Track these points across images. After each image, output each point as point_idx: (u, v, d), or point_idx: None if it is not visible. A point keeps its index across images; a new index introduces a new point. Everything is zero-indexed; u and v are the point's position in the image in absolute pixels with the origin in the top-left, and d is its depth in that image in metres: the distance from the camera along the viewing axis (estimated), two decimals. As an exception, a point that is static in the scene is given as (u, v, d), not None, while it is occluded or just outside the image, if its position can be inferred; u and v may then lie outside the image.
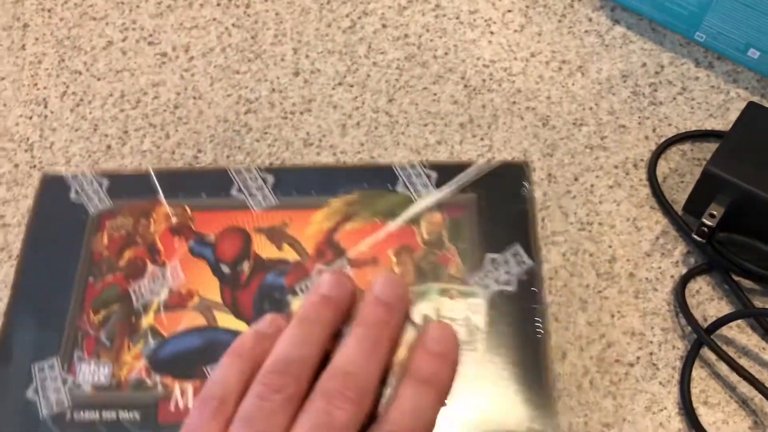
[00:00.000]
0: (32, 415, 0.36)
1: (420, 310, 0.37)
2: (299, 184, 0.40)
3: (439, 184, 0.40)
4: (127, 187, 0.41)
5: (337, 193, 0.40)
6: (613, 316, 0.43)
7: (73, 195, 0.41)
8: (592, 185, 0.46)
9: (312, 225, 0.39)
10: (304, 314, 0.30)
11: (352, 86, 0.50)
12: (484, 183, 0.40)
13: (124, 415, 0.35)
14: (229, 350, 0.29)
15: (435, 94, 0.49)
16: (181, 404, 0.36)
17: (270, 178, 0.41)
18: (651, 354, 0.42)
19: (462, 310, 0.37)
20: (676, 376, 0.42)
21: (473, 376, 0.36)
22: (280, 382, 0.27)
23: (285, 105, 0.50)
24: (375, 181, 0.41)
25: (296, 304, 0.38)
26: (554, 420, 0.34)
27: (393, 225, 0.39)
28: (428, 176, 0.40)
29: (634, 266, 0.44)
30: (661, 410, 0.41)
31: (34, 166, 0.49)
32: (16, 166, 0.49)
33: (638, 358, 0.42)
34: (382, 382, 0.29)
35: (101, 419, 0.36)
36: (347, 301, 0.31)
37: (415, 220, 0.39)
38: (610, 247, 0.45)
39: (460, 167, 0.41)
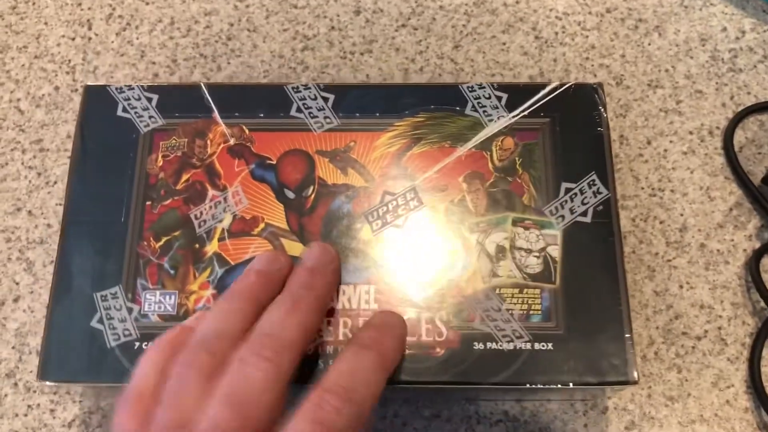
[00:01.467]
0: (100, 345, 0.34)
1: (493, 240, 0.35)
2: (363, 104, 0.38)
3: (510, 107, 0.38)
4: (179, 103, 0.39)
5: (403, 114, 0.38)
6: (681, 286, 0.42)
7: (120, 110, 0.38)
8: (665, 150, 0.45)
9: (377, 148, 0.37)
10: (232, 290, 0.32)
11: (416, 29, 0.48)
12: (557, 106, 0.38)
13: None
14: (152, 343, 0.30)
15: (504, 44, 0.47)
16: None
17: (331, 98, 0.38)
18: (720, 328, 0.41)
19: (537, 241, 0.35)
20: (746, 353, 0.40)
21: (551, 311, 0.34)
22: (195, 358, 0.28)
23: (344, 44, 0.47)
24: (443, 103, 0.38)
25: (366, 231, 0.36)
26: (630, 358, 0.33)
27: (463, 150, 0.37)
28: (498, 98, 0.38)
29: (705, 237, 0.43)
30: (728, 387, 0.40)
31: (76, 90, 0.46)
32: (57, 88, 0.46)
33: (706, 331, 0.41)
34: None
35: None
36: (280, 275, 0.33)
37: (485, 145, 0.37)
38: (681, 215, 0.43)
39: (531, 88, 0.39)
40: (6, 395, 0.39)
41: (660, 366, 0.40)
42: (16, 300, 0.41)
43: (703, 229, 0.43)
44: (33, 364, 0.40)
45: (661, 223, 0.43)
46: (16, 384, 0.39)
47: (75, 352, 0.34)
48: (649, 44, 0.47)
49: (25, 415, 0.39)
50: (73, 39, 0.48)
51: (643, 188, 0.44)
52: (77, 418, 0.39)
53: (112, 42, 0.47)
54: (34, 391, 0.39)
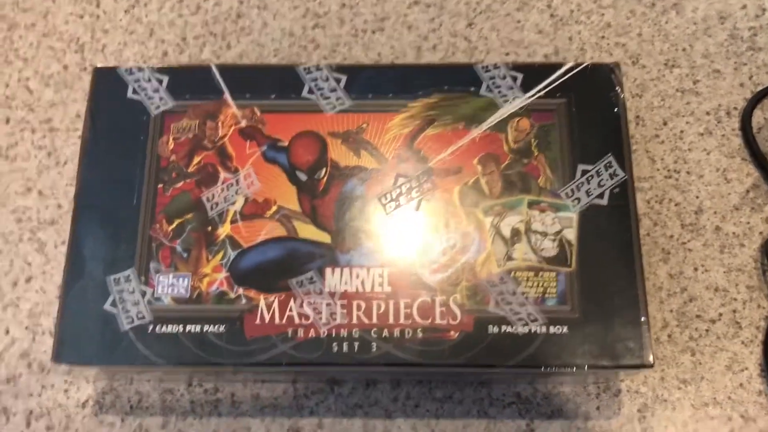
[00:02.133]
0: (113, 329, 0.34)
1: (508, 223, 0.35)
2: (375, 85, 0.38)
3: (525, 87, 0.38)
4: (190, 84, 0.38)
5: (416, 95, 0.38)
6: (696, 269, 0.41)
7: (130, 92, 0.38)
8: (681, 131, 0.44)
9: (390, 130, 0.37)
10: None
11: (429, 6, 0.47)
12: (573, 86, 0.38)
13: (209, 328, 0.34)
14: None
15: (518, 22, 0.47)
16: (267, 317, 0.34)
17: (343, 79, 0.38)
18: (734, 312, 0.41)
19: (553, 224, 0.35)
20: (760, 337, 0.40)
21: (567, 294, 0.34)
22: None
23: (356, 22, 0.47)
24: (457, 83, 0.38)
25: (379, 213, 0.36)
26: (646, 342, 0.33)
27: (477, 131, 0.37)
28: (514, 78, 0.38)
29: (721, 219, 0.42)
30: (742, 370, 0.40)
31: (85, 69, 0.46)
32: (65, 67, 0.46)
33: (720, 315, 0.41)
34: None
35: (185, 332, 0.34)
36: None
37: (500, 126, 0.37)
38: (697, 197, 0.43)
39: (547, 68, 0.38)
40: (20, 375, 0.40)
41: (673, 349, 0.40)
42: (28, 280, 0.41)
43: (719, 212, 0.43)
44: (46, 344, 0.40)
45: (676, 205, 0.43)
46: (29, 364, 0.40)
47: (89, 336, 0.34)
48: (667, 22, 0.47)
49: (39, 395, 0.39)
50: (81, 17, 0.47)
51: (658, 170, 0.43)
52: (91, 398, 0.39)
53: (121, 20, 0.47)
54: (48, 372, 0.40)
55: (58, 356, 0.34)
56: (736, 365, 0.40)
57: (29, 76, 0.46)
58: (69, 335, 0.34)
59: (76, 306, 0.34)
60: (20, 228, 0.42)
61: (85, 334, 0.34)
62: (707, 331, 0.40)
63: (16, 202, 0.43)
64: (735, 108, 0.45)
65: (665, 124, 0.44)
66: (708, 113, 0.45)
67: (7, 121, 0.45)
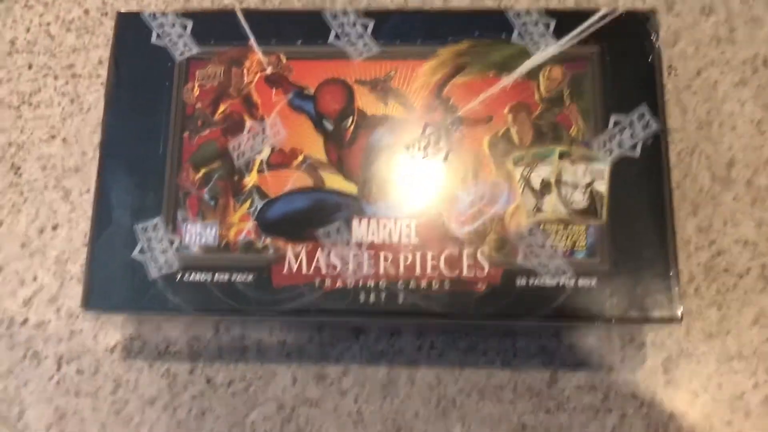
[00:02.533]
0: (141, 276, 0.35)
1: (539, 174, 0.35)
2: (403, 30, 0.37)
3: (558, 34, 0.37)
4: (214, 29, 0.38)
5: (446, 41, 0.37)
6: (725, 223, 0.41)
7: (154, 38, 0.38)
8: (715, 81, 0.43)
9: (419, 77, 0.36)
10: None
11: (457, -50, 0.46)
12: (607, 34, 0.37)
13: (237, 277, 0.34)
14: None
15: (550, -34, 0.45)
16: (294, 267, 0.34)
17: (370, 24, 0.37)
18: (763, 266, 0.40)
19: (584, 175, 0.35)
20: (789, 291, 0.40)
21: (596, 247, 0.34)
22: None
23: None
24: (487, 29, 0.37)
25: (407, 163, 0.36)
26: (675, 295, 0.33)
27: (508, 79, 0.36)
28: (546, 25, 0.37)
29: (753, 172, 0.42)
30: (769, 325, 0.39)
31: (106, 14, 0.45)
32: (86, 11, 0.45)
33: (749, 269, 0.40)
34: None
35: (213, 281, 0.34)
36: None
37: (532, 75, 0.36)
38: (729, 149, 0.42)
39: (581, 14, 0.37)
40: (50, 320, 0.40)
41: (700, 302, 0.40)
42: (54, 228, 0.42)
43: (751, 164, 0.42)
44: (74, 290, 0.40)
45: (707, 157, 0.42)
46: (58, 310, 0.40)
47: (117, 283, 0.34)
48: (704, -33, 0.45)
49: (69, 340, 0.40)
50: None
51: (690, 121, 0.42)
52: (119, 343, 0.40)
53: (141, -37, 0.46)
54: (77, 317, 0.40)
55: (87, 303, 0.34)
56: (764, 319, 0.39)
57: (50, 21, 0.45)
58: (97, 282, 0.34)
59: (104, 254, 0.35)
60: (45, 175, 0.42)
61: (113, 281, 0.34)
62: (735, 285, 0.40)
63: (40, 149, 0.43)
64: (772, 57, 0.43)
65: (699, 74, 0.43)
66: (744, 62, 0.43)
67: (30, 66, 0.44)
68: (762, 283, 0.40)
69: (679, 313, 0.33)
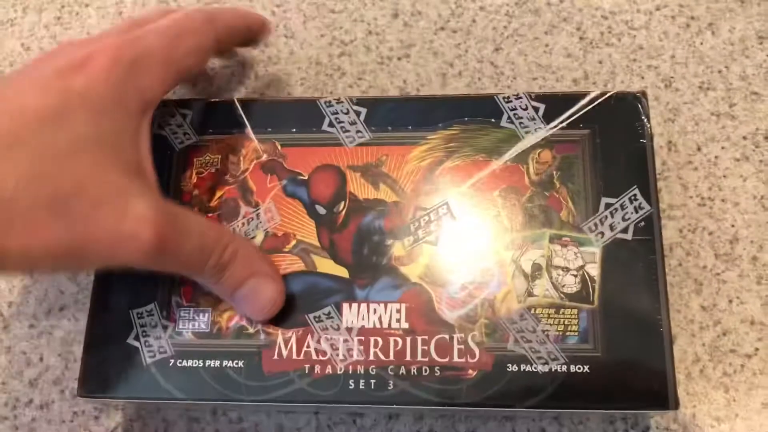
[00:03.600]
0: (136, 361, 0.35)
1: (529, 258, 0.35)
2: (394, 117, 0.38)
3: (547, 118, 0.37)
4: (212, 119, 0.39)
5: (436, 127, 0.37)
6: (731, 301, 0.40)
7: (156, 128, 0.39)
8: (716, 157, 0.43)
9: (409, 162, 0.37)
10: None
11: (455, 32, 0.47)
12: (597, 117, 0.37)
13: (228, 363, 0.34)
14: None
15: (547, 45, 0.46)
16: (285, 353, 0.34)
17: (363, 111, 0.38)
18: (772, 346, 0.39)
19: (575, 259, 0.34)
20: (799, 372, 0.39)
21: (589, 332, 0.34)
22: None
23: (382, 49, 0.47)
24: (477, 114, 0.37)
25: (397, 247, 0.36)
26: (671, 384, 0.33)
27: (498, 163, 0.37)
28: (536, 109, 0.37)
29: (758, 249, 0.41)
30: (780, 408, 0.38)
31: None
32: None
33: (757, 349, 0.39)
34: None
35: (205, 366, 0.34)
36: None
37: (522, 158, 0.37)
38: (732, 226, 0.42)
39: (570, 98, 0.38)
40: (53, 401, 0.41)
41: (706, 385, 0.39)
42: (61, 309, 0.43)
43: (756, 241, 0.41)
44: (78, 372, 0.41)
45: (710, 234, 0.42)
46: (62, 391, 0.41)
47: (113, 369, 0.35)
48: (701, 44, 0.46)
49: (71, 421, 0.40)
50: (115, 48, 0.49)
51: (691, 197, 0.42)
52: (119, 425, 0.40)
53: (153, 51, 0.48)
54: (80, 398, 0.41)
55: (84, 389, 0.35)
56: (774, 402, 0.38)
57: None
58: (94, 368, 0.35)
59: (100, 339, 0.35)
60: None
61: (109, 367, 0.35)
62: (742, 366, 0.39)
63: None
64: (773, 132, 0.43)
65: (699, 149, 0.43)
66: (745, 138, 0.43)
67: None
68: (771, 363, 0.39)
69: (675, 402, 0.32)
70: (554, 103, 0.37)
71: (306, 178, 0.37)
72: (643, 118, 0.37)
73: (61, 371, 0.41)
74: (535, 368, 0.33)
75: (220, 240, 0.33)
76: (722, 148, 0.43)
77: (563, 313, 0.34)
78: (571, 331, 0.34)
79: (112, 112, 0.32)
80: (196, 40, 0.36)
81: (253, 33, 0.43)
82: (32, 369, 0.42)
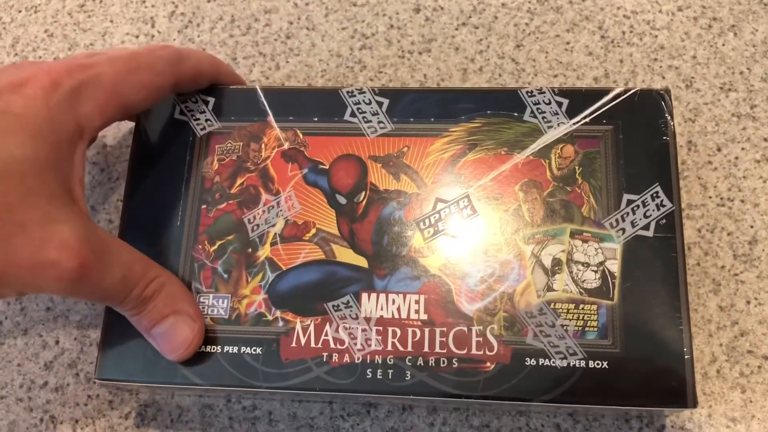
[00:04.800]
0: (154, 348, 0.35)
1: (549, 253, 0.34)
2: (417, 109, 0.37)
3: (570, 113, 0.37)
4: (234, 106, 0.39)
5: (458, 120, 0.37)
6: (748, 302, 0.40)
7: (177, 114, 0.39)
8: (736, 158, 0.42)
9: (431, 154, 0.36)
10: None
11: (477, 28, 0.47)
12: (621, 113, 0.36)
13: (246, 350, 0.34)
14: None
15: (568, 43, 0.46)
16: (303, 340, 0.34)
17: (385, 102, 0.37)
18: (789, 348, 0.39)
19: (596, 255, 0.34)
20: (817, 375, 0.38)
21: (608, 328, 0.33)
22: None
23: (403, 43, 0.47)
24: (500, 108, 0.37)
25: (417, 238, 0.35)
26: (689, 382, 0.32)
27: (520, 157, 0.36)
28: (559, 104, 0.37)
29: (777, 250, 0.41)
30: (797, 410, 0.38)
31: (139, 87, 0.47)
32: (120, 85, 0.47)
33: (774, 351, 0.39)
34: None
35: (223, 352, 0.34)
36: None
37: (544, 153, 0.36)
38: (751, 227, 0.41)
39: (594, 94, 0.37)
40: (68, 384, 0.41)
41: (722, 385, 0.38)
42: (78, 293, 0.42)
43: (775, 242, 0.41)
44: (93, 356, 0.41)
45: (729, 234, 0.41)
46: (77, 374, 0.41)
47: (131, 353, 0.35)
48: (723, 45, 0.45)
49: (86, 405, 0.40)
50: (137, 36, 0.48)
51: (711, 197, 0.42)
52: (133, 410, 0.40)
53: (174, 40, 0.48)
54: (94, 382, 0.40)
55: (102, 372, 0.35)
56: (790, 404, 0.38)
57: (86, 93, 0.47)
58: (112, 353, 0.35)
59: (119, 324, 0.35)
60: (73, 241, 0.43)
61: (127, 351, 0.35)
62: (759, 367, 0.39)
63: (69, 216, 0.44)
64: (794, 134, 0.43)
65: (719, 150, 0.43)
66: (765, 139, 0.43)
67: (64, 137, 0.46)
68: (788, 365, 0.38)
69: (694, 400, 0.32)
70: (577, 99, 0.37)
71: (327, 167, 0.37)
72: (666, 115, 0.36)
73: (77, 354, 0.41)
74: (553, 363, 0.33)
75: (146, 274, 0.33)
76: (742, 149, 0.43)
77: (582, 309, 0.33)
78: (590, 326, 0.33)
79: (47, 136, 0.31)
80: (150, 77, 0.35)
81: (222, 82, 0.40)
82: (48, 352, 0.41)
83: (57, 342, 0.41)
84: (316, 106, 0.38)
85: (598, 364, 0.32)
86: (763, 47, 0.45)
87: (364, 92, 0.38)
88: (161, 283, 0.33)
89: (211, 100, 0.39)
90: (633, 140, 0.36)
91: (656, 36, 0.45)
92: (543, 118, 0.36)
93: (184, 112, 0.39)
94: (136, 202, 0.37)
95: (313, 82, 0.46)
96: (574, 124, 0.36)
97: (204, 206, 0.37)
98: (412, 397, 0.33)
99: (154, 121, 0.39)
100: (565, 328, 0.33)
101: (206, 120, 0.38)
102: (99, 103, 0.33)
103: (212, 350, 0.34)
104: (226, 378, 0.34)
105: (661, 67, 0.45)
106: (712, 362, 0.39)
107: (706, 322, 0.39)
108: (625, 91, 0.37)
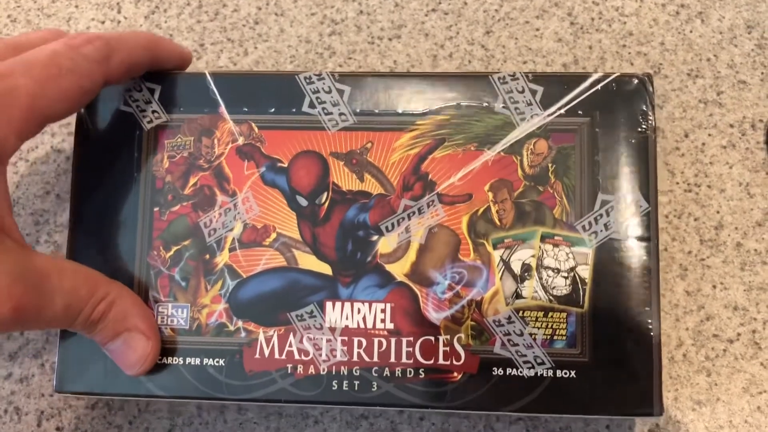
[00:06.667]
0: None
1: (519, 258, 0.29)
2: (381, 98, 0.31)
3: (545, 103, 0.30)
4: (183, 95, 0.31)
5: (426, 111, 0.30)
6: (714, 287, 0.35)
7: (122, 105, 0.31)
8: (703, 144, 0.37)
9: (396, 150, 0.30)
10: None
11: (446, 14, 0.40)
12: (598, 102, 0.30)
13: (209, 361, 0.29)
14: None
15: (537, 30, 0.40)
16: (266, 352, 0.29)
17: (346, 90, 0.31)
18: (754, 332, 0.34)
19: (566, 260, 0.29)
20: (779, 360, 0.34)
21: (577, 337, 0.28)
22: None
23: (372, 29, 0.40)
24: (470, 97, 0.30)
25: (382, 243, 0.29)
26: (656, 392, 0.28)
27: (490, 153, 0.30)
28: (533, 92, 0.30)
29: (742, 235, 0.36)
30: (761, 393, 0.34)
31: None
32: (87, 74, 0.41)
33: (739, 334, 0.34)
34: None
35: (185, 364, 0.29)
36: None
37: (515, 149, 0.30)
38: (717, 212, 0.36)
39: (570, 80, 0.30)
40: (33, 375, 0.36)
41: (688, 368, 0.34)
42: (48, 288, 0.37)
43: (741, 228, 0.36)
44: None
45: (695, 220, 0.36)
46: (42, 365, 0.36)
47: (90, 365, 0.29)
48: (691, 31, 0.39)
49: (51, 395, 0.35)
50: (103, 22, 0.42)
51: (678, 183, 0.37)
52: (100, 400, 0.35)
53: (141, 25, 0.41)
54: (51, 395, 0.35)
55: (61, 385, 0.29)
56: (754, 387, 0.34)
57: (53, 83, 0.41)
58: (70, 364, 0.29)
59: (77, 335, 0.30)
60: (38, 230, 0.38)
61: (86, 363, 0.29)
62: (724, 351, 0.34)
63: (34, 204, 0.38)
64: (761, 120, 0.37)
65: (686, 136, 0.37)
66: (732, 125, 0.37)
67: (32, 128, 0.40)
68: (752, 349, 0.34)
69: (661, 410, 0.27)
70: (553, 85, 0.30)
71: (286, 165, 0.31)
72: (647, 104, 0.30)
73: (42, 345, 0.36)
74: (520, 372, 0.28)
75: (94, 294, 0.27)
76: (709, 135, 0.37)
77: (552, 317, 0.28)
78: (558, 335, 0.28)
79: None
80: (75, 83, 0.27)
81: (166, 65, 0.32)
82: (12, 343, 0.36)
83: (21, 332, 0.36)
84: (272, 95, 0.31)
85: (565, 373, 0.28)
86: (730, 34, 0.39)
87: (324, 78, 0.31)
88: (110, 301, 0.27)
89: (157, 88, 0.31)
90: (610, 134, 0.30)
91: (625, 22, 0.39)
92: (516, 108, 0.30)
93: (128, 103, 0.32)
94: (84, 206, 0.31)
95: (281, 68, 0.40)
96: (548, 116, 0.30)
97: (156, 209, 0.31)
98: (378, 408, 0.28)
99: (98, 113, 0.32)
100: (533, 336, 0.28)
101: (153, 111, 0.31)
102: (14, 123, 0.25)
103: (174, 362, 0.29)
104: (190, 390, 0.29)
105: (629, 53, 0.39)
106: (678, 346, 0.34)
107: (673, 307, 0.35)
108: (605, 77, 0.31)
